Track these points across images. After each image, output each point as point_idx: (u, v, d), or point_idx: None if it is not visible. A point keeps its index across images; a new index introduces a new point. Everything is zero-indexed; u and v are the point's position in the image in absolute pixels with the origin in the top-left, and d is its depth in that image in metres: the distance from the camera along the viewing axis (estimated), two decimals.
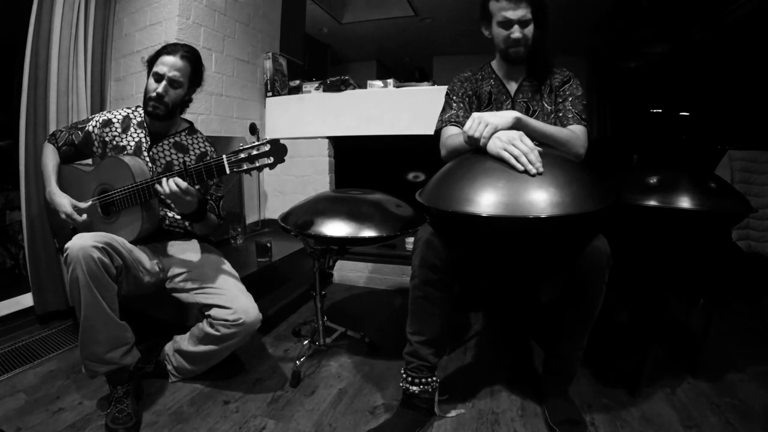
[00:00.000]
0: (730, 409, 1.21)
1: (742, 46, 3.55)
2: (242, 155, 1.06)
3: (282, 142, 1.07)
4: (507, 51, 1.27)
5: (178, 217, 1.38)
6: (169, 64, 1.29)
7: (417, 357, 1.16)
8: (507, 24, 1.23)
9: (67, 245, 1.08)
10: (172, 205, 1.18)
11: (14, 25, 1.74)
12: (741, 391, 1.30)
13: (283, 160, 1.07)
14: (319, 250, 1.45)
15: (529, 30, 1.23)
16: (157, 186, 1.13)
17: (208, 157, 1.41)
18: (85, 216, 1.25)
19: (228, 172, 1.08)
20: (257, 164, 1.06)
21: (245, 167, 1.07)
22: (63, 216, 1.25)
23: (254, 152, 1.05)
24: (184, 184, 1.11)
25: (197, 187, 1.17)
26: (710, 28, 3.60)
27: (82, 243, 1.07)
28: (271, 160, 1.05)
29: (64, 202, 1.26)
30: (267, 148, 1.05)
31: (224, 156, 1.08)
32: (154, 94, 1.29)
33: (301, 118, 2.55)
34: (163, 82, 1.29)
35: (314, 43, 4.72)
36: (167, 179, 1.12)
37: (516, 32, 1.22)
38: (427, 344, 1.15)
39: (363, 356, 1.56)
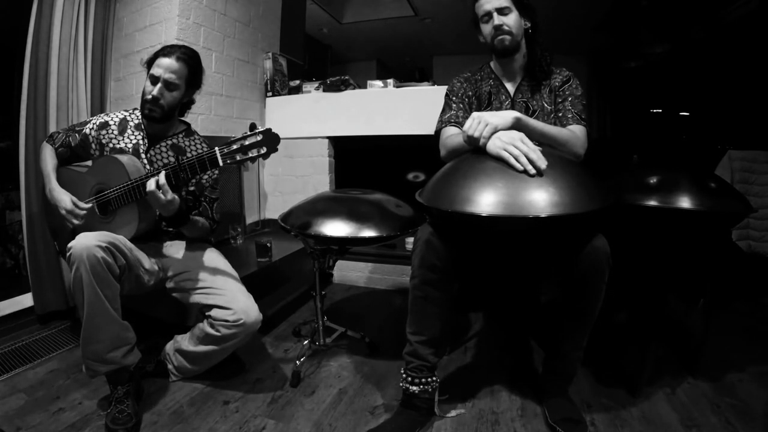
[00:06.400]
0: (730, 409, 1.21)
1: (742, 46, 3.55)
2: (235, 146, 1.06)
3: (281, 139, 1.07)
4: (494, 44, 1.28)
5: None
6: (164, 66, 1.28)
7: (417, 357, 1.16)
8: (487, 17, 1.27)
9: (70, 244, 1.08)
10: (153, 206, 1.18)
11: (14, 25, 1.74)
12: (741, 391, 1.30)
13: (276, 149, 1.07)
14: (319, 250, 1.45)
15: (511, 19, 1.25)
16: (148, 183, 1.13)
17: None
18: (85, 213, 1.25)
19: (221, 163, 1.08)
20: (250, 155, 1.06)
21: (238, 158, 1.07)
22: (63, 212, 1.25)
23: (246, 143, 1.06)
24: (162, 179, 1.11)
25: (192, 187, 1.17)
26: (710, 28, 3.60)
27: (86, 242, 1.07)
28: (264, 150, 1.05)
29: (64, 198, 1.26)
30: (259, 138, 1.05)
31: (217, 148, 1.08)
32: (149, 97, 1.29)
33: (301, 118, 2.55)
34: (159, 85, 1.28)
35: (314, 43, 4.72)
36: (154, 179, 1.12)
37: (495, 20, 1.24)
38: (427, 344, 1.15)
39: (363, 356, 1.56)
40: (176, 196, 1.16)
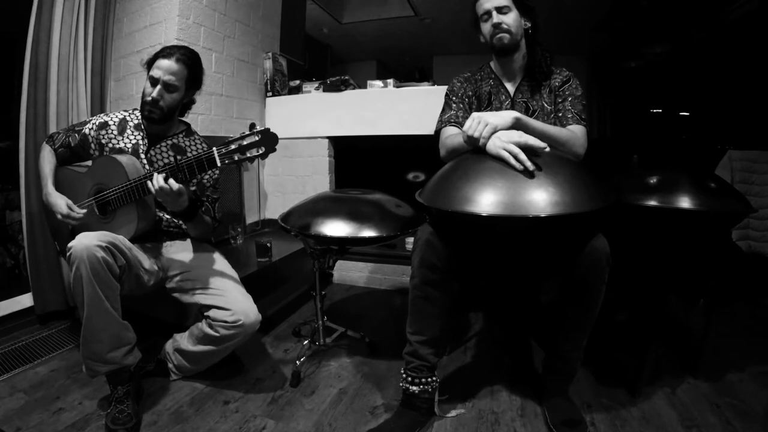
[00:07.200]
0: (730, 409, 1.21)
1: (742, 46, 3.55)
2: (233, 146, 1.06)
3: (279, 138, 1.07)
4: (493, 42, 1.28)
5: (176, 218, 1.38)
6: (164, 68, 1.28)
7: (417, 357, 1.16)
8: (487, 15, 1.27)
9: (70, 244, 1.08)
10: (164, 204, 1.18)
11: (14, 25, 1.74)
12: (741, 391, 1.30)
13: (275, 149, 1.06)
14: (319, 250, 1.45)
15: (510, 18, 1.25)
16: (148, 183, 1.12)
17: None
18: (82, 216, 1.25)
19: (219, 164, 1.08)
20: (248, 155, 1.05)
21: (236, 158, 1.06)
22: (59, 217, 1.25)
23: (244, 142, 1.05)
24: (176, 185, 1.10)
25: (193, 187, 1.16)
26: (710, 29, 3.60)
27: (86, 242, 1.07)
28: (263, 149, 1.05)
29: (60, 203, 1.26)
30: (257, 137, 1.05)
31: (215, 148, 1.08)
32: (149, 99, 1.29)
33: (301, 118, 2.55)
34: (158, 86, 1.28)
35: (314, 43, 4.72)
36: (158, 175, 1.11)
37: (494, 18, 1.25)
38: (427, 344, 1.15)
39: (363, 356, 1.56)
40: (184, 188, 1.14)
